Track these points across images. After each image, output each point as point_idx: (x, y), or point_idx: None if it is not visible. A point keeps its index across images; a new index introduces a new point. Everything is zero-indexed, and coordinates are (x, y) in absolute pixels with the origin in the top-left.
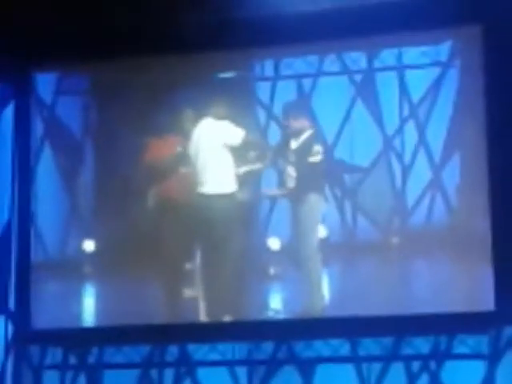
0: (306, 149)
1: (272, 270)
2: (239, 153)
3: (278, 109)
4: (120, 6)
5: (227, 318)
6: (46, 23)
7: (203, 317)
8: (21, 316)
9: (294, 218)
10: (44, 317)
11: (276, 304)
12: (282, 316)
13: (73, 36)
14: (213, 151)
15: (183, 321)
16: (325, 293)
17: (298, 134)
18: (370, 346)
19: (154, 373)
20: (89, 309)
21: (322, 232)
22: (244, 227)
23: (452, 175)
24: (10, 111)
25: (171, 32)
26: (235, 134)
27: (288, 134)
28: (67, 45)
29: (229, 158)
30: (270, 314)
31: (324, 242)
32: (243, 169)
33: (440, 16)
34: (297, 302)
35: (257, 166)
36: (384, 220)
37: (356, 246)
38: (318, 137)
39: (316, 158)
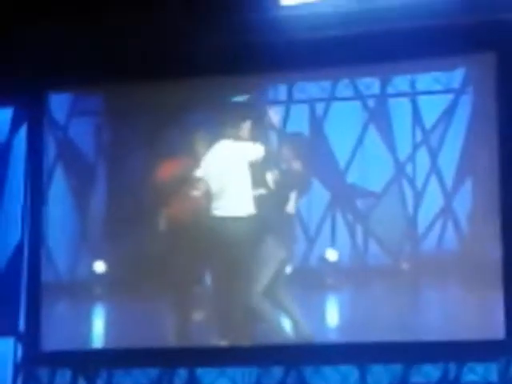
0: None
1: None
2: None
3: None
4: (134, 28)
5: (237, 342)
6: (60, 45)
7: (213, 340)
8: (30, 338)
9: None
10: (53, 338)
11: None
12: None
13: (86, 58)
14: (229, 173)
15: (193, 344)
16: (332, 318)
17: (284, 163)
18: (379, 372)
19: None
20: (98, 331)
21: (332, 256)
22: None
23: (464, 202)
24: (23, 132)
25: (185, 55)
26: (255, 149)
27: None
28: (81, 66)
29: (246, 180)
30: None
31: (334, 266)
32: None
33: (454, 43)
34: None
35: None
36: (395, 245)
37: (366, 270)
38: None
39: (291, 207)
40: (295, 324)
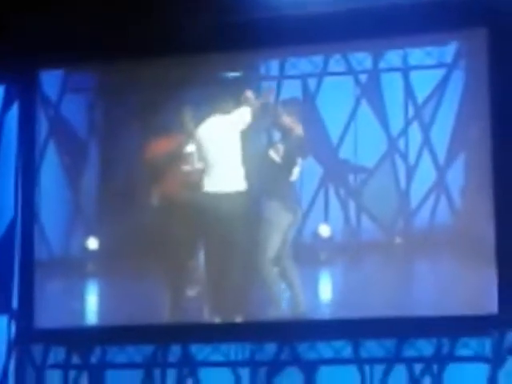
0: (287, 154)
1: (276, 272)
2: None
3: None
4: (125, 8)
5: (230, 319)
6: (52, 22)
7: (206, 317)
8: (24, 315)
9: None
10: (47, 316)
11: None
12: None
13: (78, 36)
14: (222, 148)
15: (186, 320)
16: (325, 294)
17: (285, 132)
18: (372, 347)
19: (156, 373)
20: (92, 308)
21: (325, 231)
22: (249, 226)
23: (456, 177)
24: (15, 110)
25: (177, 33)
26: (244, 116)
27: (277, 129)
28: (72, 44)
29: (238, 156)
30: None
31: (328, 241)
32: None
33: (445, 18)
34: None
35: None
36: (388, 220)
37: (359, 246)
38: (302, 147)
39: (294, 171)
40: (295, 298)
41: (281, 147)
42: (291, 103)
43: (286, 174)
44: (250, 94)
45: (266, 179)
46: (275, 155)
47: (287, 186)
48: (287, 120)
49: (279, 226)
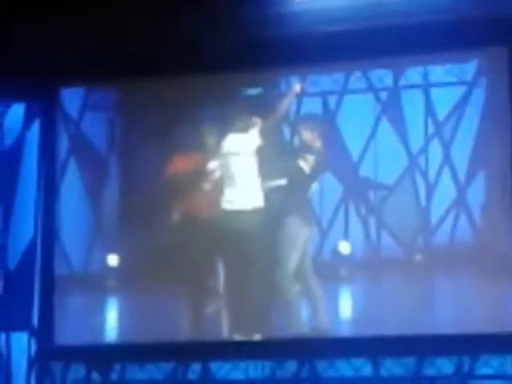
0: (305, 171)
1: (298, 288)
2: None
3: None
4: (147, 25)
5: (250, 336)
6: (73, 40)
7: (226, 334)
8: (44, 332)
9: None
10: (67, 333)
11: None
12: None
13: (99, 53)
14: (239, 166)
15: (206, 337)
16: (345, 311)
17: (305, 148)
18: (392, 366)
19: None
20: (112, 324)
21: (346, 248)
22: (269, 244)
23: (477, 194)
24: (36, 127)
25: (198, 51)
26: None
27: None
28: (93, 61)
29: (255, 173)
30: None
31: (348, 258)
32: (270, 184)
33: (466, 36)
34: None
35: (282, 181)
36: (408, 237)
37: (380, 263)
38: (322, 163)
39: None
40: (318, 315)
41: (311, 158)
42: (310, 118)
43: (306, 188)
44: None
45: (285, 194)
46: (305, 165)
47: (305, 200)
48: (307, 135)
49: (297, 241)
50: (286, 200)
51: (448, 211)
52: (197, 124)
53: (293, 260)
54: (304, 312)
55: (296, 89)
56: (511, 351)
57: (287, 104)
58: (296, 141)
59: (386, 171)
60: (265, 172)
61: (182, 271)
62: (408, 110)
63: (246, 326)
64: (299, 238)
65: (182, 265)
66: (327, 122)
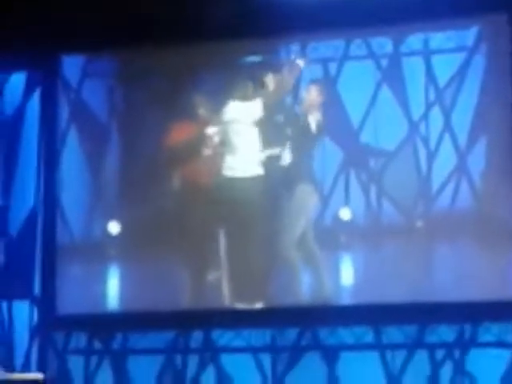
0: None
1: (301, 255)
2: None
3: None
4: None
5: (251, 304)
6: (73, 8)
7: (227, 302)
8: (46, 301)
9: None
10: (69, 302)
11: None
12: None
13: (99, 21)
14: (240, 134)
15: (208, 305)
16: (346, 278)
17: (309, 108)
18: (393, 333)
19: (178, 359)
20: (113, 293)
21: (346, 215)
22: (270, 211)
23: (477, 160)
24: (37, 95)
25: (197, 20)
26: (249, 120)
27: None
28: (93, 29)
29: (255, 142)
30: None
31: (349, 225)
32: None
33: (467, 3)
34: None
35: (274, 151)
36: (408, 204)
37: (380, 230)
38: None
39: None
40: (320, 282)
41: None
42: (319, 82)
43: (310, 154)
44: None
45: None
46: (312, 122)
47: (311, 167)
48: (308, 99)
49: (307, 207)
50: (294, 167)
51: (449, 178)
52: (197, 91)
53: (299, 227)
54: (306, 279)
55: (299, 64)
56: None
57: (291, 80)
58: (296, 106)
59: (387, 138)
60: (266, 139)
61: (182, 239)
62: (408, 77)
63: (248, 294)
64: (309, 204)
65: (183, 232)
66: (328, 89)
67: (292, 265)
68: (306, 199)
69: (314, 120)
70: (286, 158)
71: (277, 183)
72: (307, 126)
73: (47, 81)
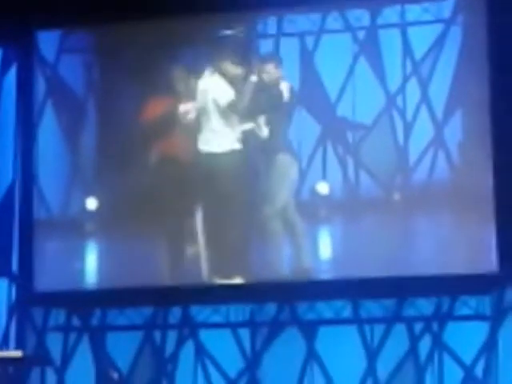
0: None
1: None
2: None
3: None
4: None
5: (230, 280)
6: None
7: (206, 278)
8: (23, 278)
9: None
10: (47, 278)
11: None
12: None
13: None
14: (215, 108)
15: (186, 281)
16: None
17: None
18: (372, 307)
19: (156, 335)
20: (91, 269)
21: (324, 189)
22: (246, 185)
23: (454, 132)
24: (13, 72)
25: None
26: (225, 94)
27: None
28: (69, 4)
29: (231, 117)
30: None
31: (326, 198)
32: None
33: None
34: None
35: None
36: (386, 177)
37: (358, 203)
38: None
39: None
40: (299, 255)
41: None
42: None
43: (286, 125)
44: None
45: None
46: (286, 91)
47: (288, 138)
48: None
49: (289, 178)
50: (271, 138)
51: (426, 150)
52: (174, 66)
53: (281, 198)
54: (286, 252)
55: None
56: (489, 291)
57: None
58: (265, 78)
59: (364, 111)
60: (242, 114)
61: (160, 214)
62: (385, 50)
63: (226, 270)
64: (290, 174)
65: (161, 208)
66: (305, 63)
67: (273, 236)
68: (287, 168)
69: (284, 90)
70: (263, 130)
71: (254, 157)
72: (278, 96)
73: (23, 57)
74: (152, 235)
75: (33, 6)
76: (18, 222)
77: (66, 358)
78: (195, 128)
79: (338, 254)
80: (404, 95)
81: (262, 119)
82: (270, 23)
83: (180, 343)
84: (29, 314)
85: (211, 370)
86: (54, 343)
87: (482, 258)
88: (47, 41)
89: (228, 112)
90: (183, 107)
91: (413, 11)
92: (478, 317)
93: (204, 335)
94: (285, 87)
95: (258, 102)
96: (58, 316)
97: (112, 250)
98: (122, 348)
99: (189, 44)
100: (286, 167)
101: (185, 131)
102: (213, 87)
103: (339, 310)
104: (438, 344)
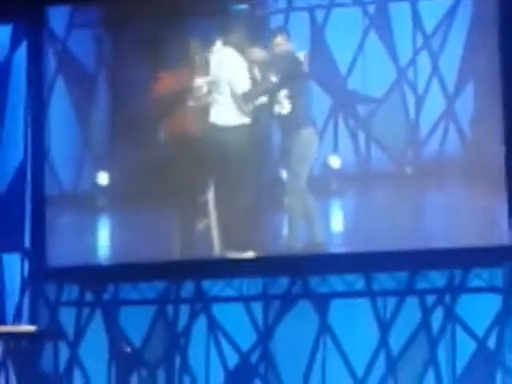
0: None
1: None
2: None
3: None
4: None
5: (242, 253)
6: None
7: (218, 252)
8: (36, 253)
9: (284, 150)
10: (60, 253)
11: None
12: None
13: None
14: (227, 82)
15: (199, 255)
16: (335, 225)
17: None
18: (384, 280)
19: (169, 309)
20: (103, 244)
21: (335, 162)
22: (259, 160)
23: (466, 105)
24: (23, 48)
25: None
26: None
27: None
28: None
29: (244, 89)
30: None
31: (338, 172)
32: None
33: None
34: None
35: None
36: (398, 150)
37: (370, 176)
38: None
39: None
40: (312, 227)
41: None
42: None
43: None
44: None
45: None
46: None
47: (309, 110)
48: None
49: (312, 152)
50: (293, 112)
51: (437, 123)
52: (186, 39)
53: (305, 173)
54: (298, 226)
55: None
56: (502, 263)
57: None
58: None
59: (375, 84)
60: (256, 86)
61: (172, 188)
62: (396, 23)
63: (238, 243)
64: (313, 148)
65: (173, 182)
66: (315, 37)
67: (294, 213)
68: (311, 143)
69: (298, 61)
70: (283, 105)
71: (271, 131)
72: (292, 68)
73: (33, 32)
74: (164, 209)
75: None
76: (30, 197)
77: (79, 332)
78: (208, 102)
79: (350, 227)
80: (415, 68)
81: (281, 94)
82: None
83: (193, 317)
84: (42, 289)
85: (224, 343)
86: (67, 318)
87: (494, 230)
88: (57, 16)
89: (241, 86)
90: (196, 81)
91: None
92: (490, 289)
93: (216, 309)
94: (298, 58)
95: (272, 75)
96: (71, 291)
97: (124, 224)
98: (135, 322)
99: (201, 16)
100: (310, 142)
101: (197, 105)
102: (226, 61)
103: (351, 283)
104: (451, 316)
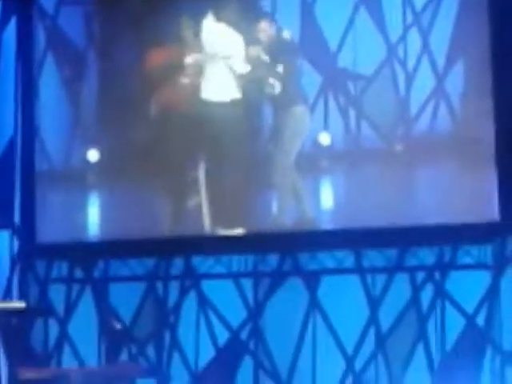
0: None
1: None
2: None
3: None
4: None
5: (232, 230)
6: None
7: (208, 229)
8: (26, 230)
9: (276, 128)
10: (49, 230)
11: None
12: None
13: None
14: (217, 58)
15: (188, 232)
16: (326, 202)
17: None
18: (374, 257)
19: (159, 286)
20: (93, 220)
21: (326, 140)
22: (249, 137)
23: (456, 82)
24: (13, 25)
25: None
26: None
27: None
28: None
29: (235, 65)
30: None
31: (328, 149)
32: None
33: None
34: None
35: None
36: (388, 127)
37: (360, 153)
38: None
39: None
40: (301, 204)
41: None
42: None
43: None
44: None
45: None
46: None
47: (300, 87)
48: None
49: (304, 129)
50: (285, 89)
51: (427, 100)
52: (176, 15)
53: (295, 150)
54: (288, 203)
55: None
56: (491, 240)
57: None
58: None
59: (365, 61)
60: (248, 62)
61: (162, 165)
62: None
63: (228, 220)
64: (306, 125)
65: (163, 158)
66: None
67: (284, 190)
68: (303, 120)
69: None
70: (275, 83)
71: (261, 108)
72: (283, 44)
73: (23, 9)
74: (154, 186)
75: None
76: (20, 174)
77: (69, 309)
78: (198, 78)
79: (340, 204)
80: (405, 45)
81: (272, 71)
82: None
83: (182, 294)
84: (32, 265)
85: (214, 320)
86: (57, 294)
87: (483, 207)
88: None
89: (233, 61)
90: (186, 57)
91: None
92: (479, 266)
93: (206, 286)
94: (287, 36)
95: (264, 52)
96: (61, 267)
97: (114, 201)
98: (125, 299)
99: None
100: (302, 119)
101: (188, 82)
102: (217, 37)
103: (341, 259)
104: (440, 293)
